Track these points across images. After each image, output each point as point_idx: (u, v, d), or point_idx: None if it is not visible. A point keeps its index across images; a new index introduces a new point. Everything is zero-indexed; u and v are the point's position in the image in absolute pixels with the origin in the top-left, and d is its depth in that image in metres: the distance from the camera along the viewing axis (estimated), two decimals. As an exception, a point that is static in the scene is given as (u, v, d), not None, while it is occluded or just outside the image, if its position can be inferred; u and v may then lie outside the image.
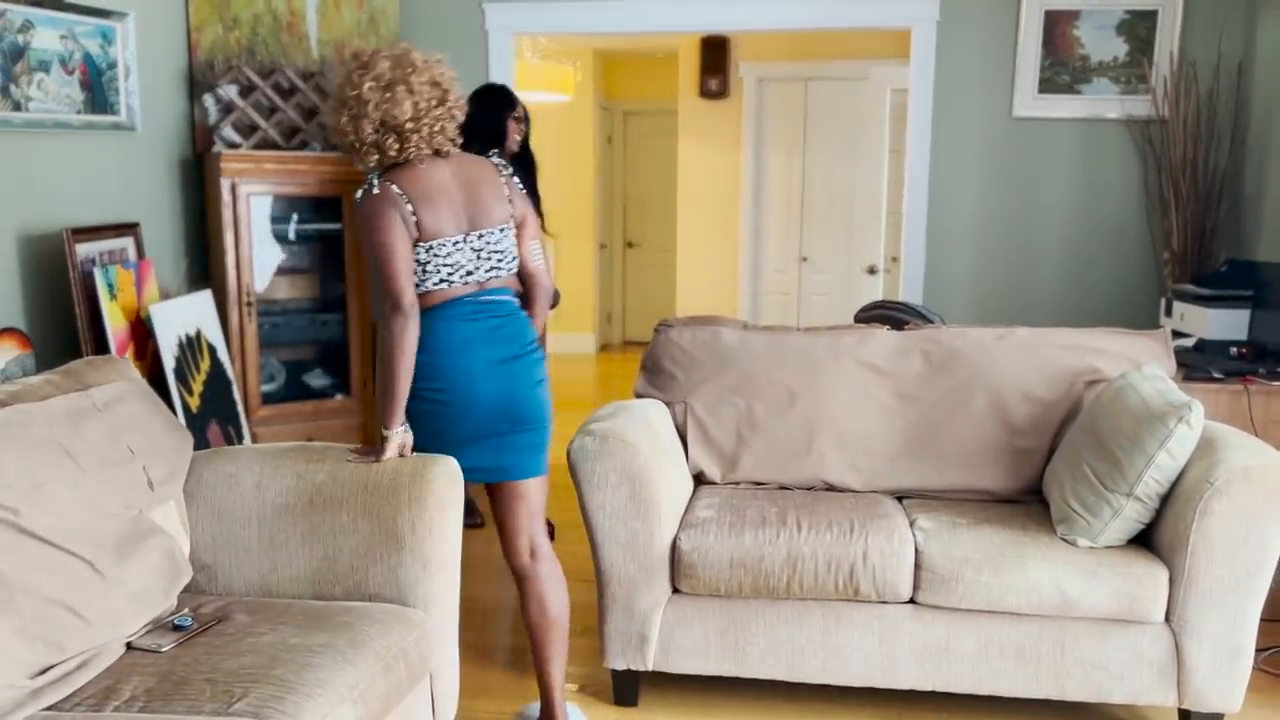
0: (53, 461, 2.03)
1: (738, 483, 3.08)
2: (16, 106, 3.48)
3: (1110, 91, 4.47)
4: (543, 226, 4.14)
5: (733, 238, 7.36)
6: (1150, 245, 4.58)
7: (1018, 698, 2.73)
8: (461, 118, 2.50)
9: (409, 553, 2.29)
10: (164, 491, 2.29)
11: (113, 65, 3.92)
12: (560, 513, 4.45)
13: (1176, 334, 3.88)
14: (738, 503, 2.84)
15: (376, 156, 2.43)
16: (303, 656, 1.94)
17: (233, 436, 4.13)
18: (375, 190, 2.40)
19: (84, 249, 3.69)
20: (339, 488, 2.34)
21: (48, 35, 3.60)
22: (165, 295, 4.14)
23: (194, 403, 3.91)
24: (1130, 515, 2.55)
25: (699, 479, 3.11)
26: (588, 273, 8.69)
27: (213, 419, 4.03)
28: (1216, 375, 3.27)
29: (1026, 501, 2.97)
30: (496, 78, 4.92)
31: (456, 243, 2.42)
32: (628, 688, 2.79)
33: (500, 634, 3.23)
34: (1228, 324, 3.65)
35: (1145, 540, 2.64)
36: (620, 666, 2.74)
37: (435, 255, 2.40)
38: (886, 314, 3.61)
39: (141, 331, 3.83)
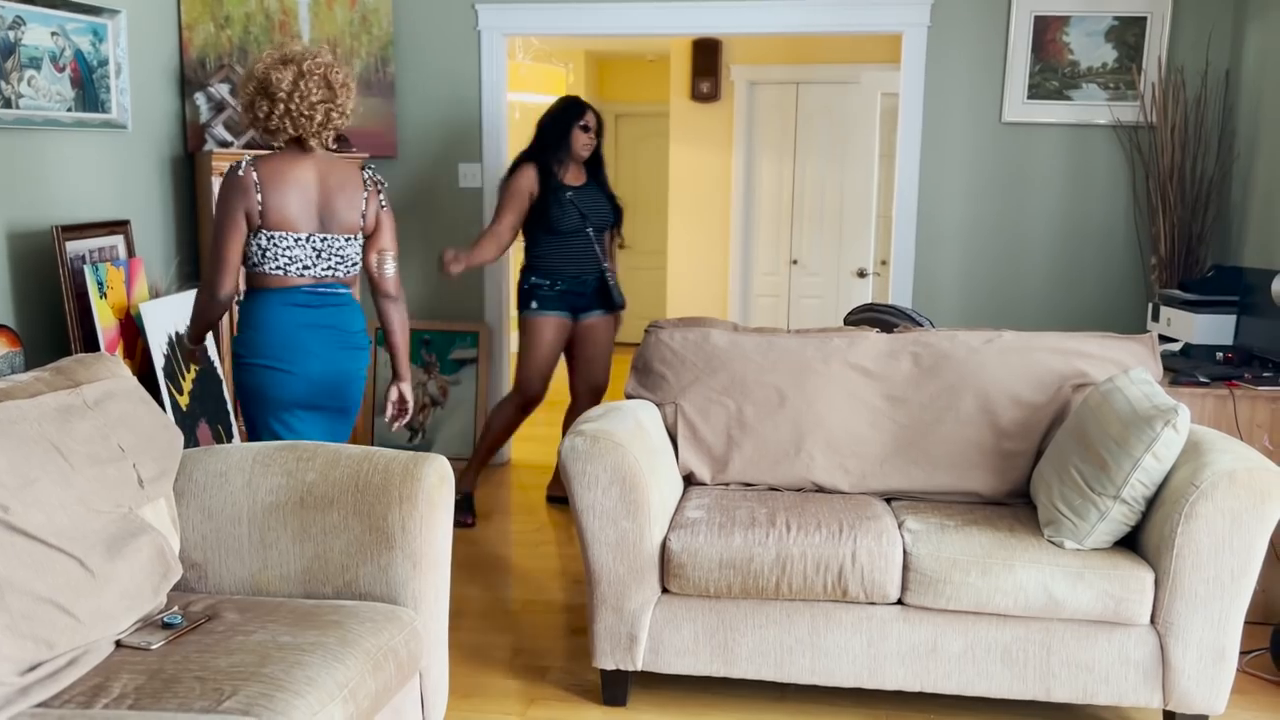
0: (43, 459, 2.03)
1: (727, 484, 3.09)
2: (7, 103, 3.47)
3: (1099, 97, 4.50)
4: (618, 234, 4.29)
5: (723, 240, 7.37)
6: (1137, 250, 4.61)
7: (1004, 699, 2.75)
8: (343, 124, 2.76)
9: (399, 552, 2.29)
10: (154, 489, 2.28)
11: (104, 63, 3.91)
12: (551, 513, 4.46)
13: (1163, 339, 3.91)
14: (727, 504, 2.85)
15: (250, 117, 2.71)
16: (292, 655, 1.94)
17: (222, 435, 4.13)
18: (239, 174, 2.66)
19: (74, 246, 3.68)
20: (329, 487, 2.35)
21: (39, 32, 3.59)
22: (155, 293, 4.13)
23: (183, 401, 3.90)
24: (1117, 518, 2.56)
25: (689, 480, 3.12)
26: (578, 274, 8.69)
27: (202, 418, 4.03)
28: (1202, 380, 3.30)
29: (1014, 504, 2.99)
30: (488, 79, 4.93)
31: (299, 239, 2.68)
32: (616, 688, 2.79)
33: (490, 634, 3.24)
34: (1214, 329, 3.68)
35: (1131, 543, 2.66)
36: (609, 666, 2.75)
37: (276, 245, 2.66)
38: (876, 317, 3.62)
39: (131, 329, 3.82)
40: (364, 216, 2.78)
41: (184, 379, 3.94)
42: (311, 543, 2.33)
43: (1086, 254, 4.65)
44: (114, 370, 2.39)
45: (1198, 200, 4.39)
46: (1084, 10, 4.46)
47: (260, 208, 2.63)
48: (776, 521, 2.68)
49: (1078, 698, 2.59)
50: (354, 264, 2.81)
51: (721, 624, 2.68)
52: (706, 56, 7.22)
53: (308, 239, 2.69)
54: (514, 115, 8.25)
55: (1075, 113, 4.53)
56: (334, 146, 2.82)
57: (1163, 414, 2.51)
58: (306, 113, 2.66)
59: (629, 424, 2.83)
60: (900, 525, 2.73)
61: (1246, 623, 2.78)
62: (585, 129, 4.18)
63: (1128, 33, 4.45)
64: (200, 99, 4.38)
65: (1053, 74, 4.52)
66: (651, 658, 2.72)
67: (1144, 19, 4.43)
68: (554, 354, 4.26)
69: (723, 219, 7.36)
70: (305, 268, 2.71)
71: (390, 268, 2.90)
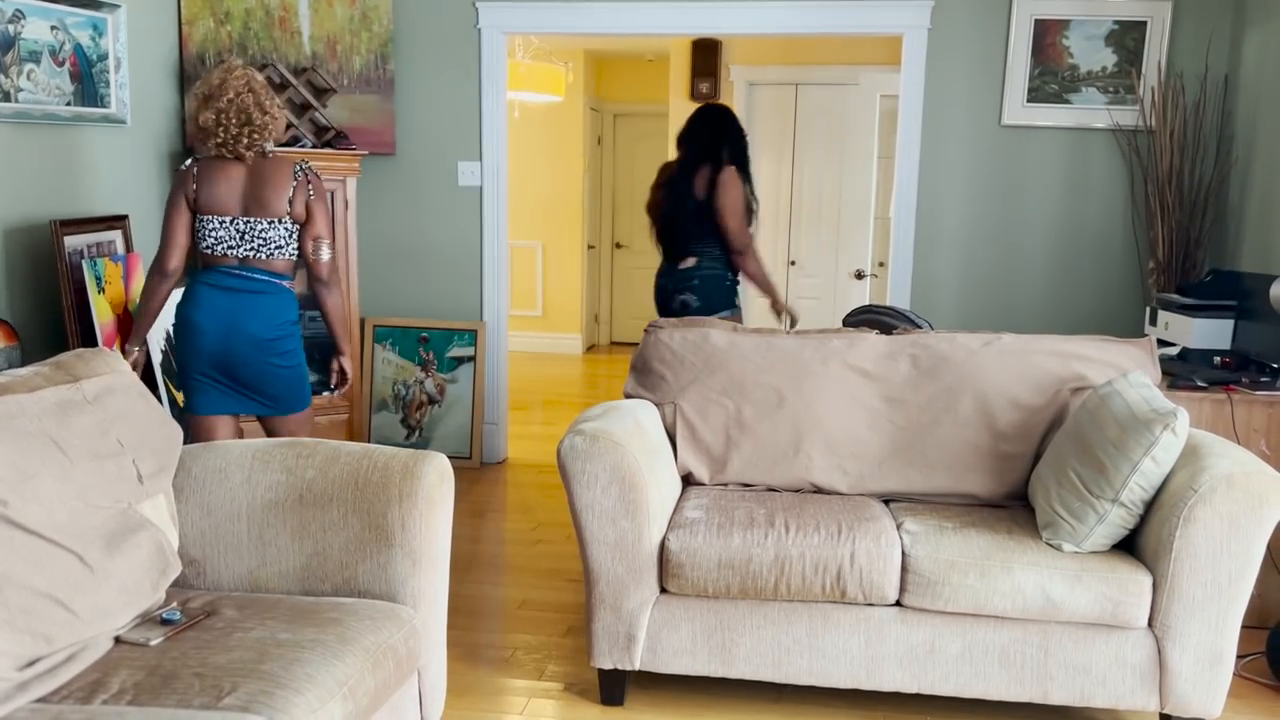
0: (42, 454, 2.02)
1: (726, 484, 3.10)
2: (6, 97, 3.46)
3: (1098, 101, 4.51)
4: (753, 219, 4.19)
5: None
6: (1135, 254, 4.62)
7: (1001, 701, 2.75)
8: (268, 139, 3.20)
9: (398, 549, 2.29)
10: (153, 485, 2.28)
11: (103, 57, 3.90)
12: (549, 512, 4.46)
13: (1160, 343, 3.91)
14: (726, 504, 2.85)
15: (201, 139, 3.20)
16: (292, 652, 1.94)
17: (219, 432, 4.11)
18: (183, 169, 3.19)
19: (72, 241, 3.67)
20: (329, 484, 2.34)
21: (39, 26, 3.58)
22: (153, 289, 4.11)
23: (180, 397, 3.89)
24: (1115, 521, 2.57)
25: (687, 480, 3.12)
26: (576, 274, 8.70)
27: (199, 414, 4.01)
28: (1200, 384, 3.31)
29: (1012, 506, 2.99)
30: (488, 77, 4.92)
31: (223, 221, 3.12)
32: (614, 687, 2.79)
33: (488, 632, 3.24)
34: (1211, 333, 3.69)
35: (1129, 546, 2.67)
36: (607, 666, 2.75)
37: (204, 225, 3.13)
38: (875, 318, 3.62)
39: (129, 325, 3.81)
40: (291, 204, 3.15)
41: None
42: (310, 540, 2.32)
43: (1085, 257, 4.66)
44: (113, 365, 2.39)
45: (1196, 205, 4.40)
46: (1084, 14, 4.47)
47: (195, 193, 3.12)
48: (775, 522, 2.68)
49: (1075, 700, 2.60)
50: (278, 247, 3.16)
51: (720, 624, 2.68)
52: (706, 57, 7.22)
53: (232, 221, 3.12)
54: (513, 114, 8.25)
55: (1074, 116, 4.54)
56: (269, 153, 3.23)
57: (1161, 417, 2.52)
58: (231, 139, 3.12)
59: (628, 423, 2.83)
60: (899, 527, 2.74)
61: (1242, 627, 2.79)
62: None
63: (1127, 37, 4.46)
64: (199, 94, 4.37)
65: (1052, 77, 4.53)
66: (649, 657, 2.72)
67: (1144, 23, 4.44)
68: None
69: (721, 219, 7.34)
70: (230, 247, 3.13)
71: (325, 254, 3.22)
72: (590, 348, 9.13)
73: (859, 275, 6.50)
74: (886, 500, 3.04)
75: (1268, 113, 4.06)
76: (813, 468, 3.06)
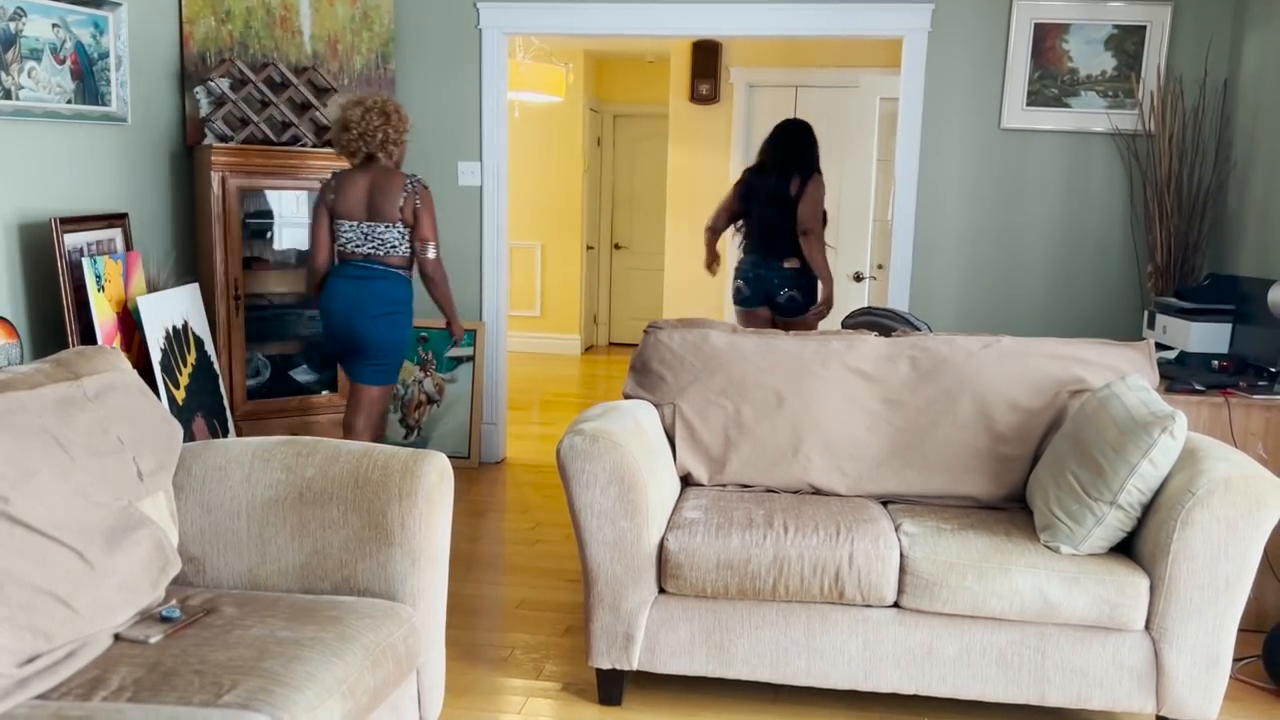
0: (43, 450, 2.02)
1: (725, 485, 3.10)
2: (7, 95, 3.46)
3: (1098, 105, 4.52)
4: (823, 226, 4.76)
5: (721, 241, 7.36)
6: (1134, 258, 4.63)
7: (998, 702, 2.76)
8: (393, 138, 3.82)
9: (398, 548, 2.29)
10: (153, 483, 2.28)
11: (104, 55, 3.90)
12: (547, 512, 4.46)
13: (1159, 346, 3.92)
14: (725, 505, 2.85)
15: (338, 145, 3.85)
16: (291, 650, 1.94)
17: (218, 430, 4.12)
18: (323, 183, 3.89)
19: (72, 239, 3.67)
20: (329, 482, 2.35)
21: (40, 23, 3.58)
22: (153, 287, 4.12)
23: (180, 395, 3.89)
24: (1113, 523, 2.58)
25: (686, 480, 3.12)
26: (574, 274, 8.70)
27: (198, 412, 4.02)
28: (1198, 387, 3.31)
29: (1010, 508, 3.00)
30: (489, 77, 4.93)
31: (353, 225, 3.80)
32: (612, 687, 2.80)
33: (487, 632, 3.24)
34: (1209, 337, 3.70)
35: (1127, 548, 2.67)
36: (605, 666, 2.75)
37: (339, 227, 3.82)
38: (874, 321, 3.63)
39: (128, 323, 3.81)
40: (402, 210, 3.78)
41: (181, 373, 3.94)
42: (310, 538, 2.33)
43: (1083, 261, 4.67)
44: (114, 363, 2.39)
45: (1194, 209, 4.41)
46: (1084, 18, 4.48)
47: (334, 201, 3.81)
48: (774, 523, 2.69)
49: (1072, 702, 2.60)
50: (393, 246, 3.81)
51: (718, 625, 2.69)
52: (706, 58, 7.23)
53: (358, 224, 3.80)
54: (514, 114, 8.25)
55: (1074, 120, 4.55)
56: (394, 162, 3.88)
57: (1160, 420, 2.53)
58: (370, 129, 3.76)
59: (627, 423, 2.83)
60: (897, 528, 2.74)
61: (1239, 630, 2.80)
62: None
63: (1127, 41, 4.47)
64: (200, 93, 4.37)
65: (1052, 81, 4.54)
66: (647, 657, 2.72)
67: (1144, 28, 4.45)
68: None
69: (720, 221, 7.34)
70: (356, 246, 3.80)
71: (429, 253, 3.83)
72: (589, 348, 9.13)
73: (858, 277, 6.51)
74: (885, 502, 3.04)
75: (1267, 117, 4.07)
76: (811, 469, 3.06)
